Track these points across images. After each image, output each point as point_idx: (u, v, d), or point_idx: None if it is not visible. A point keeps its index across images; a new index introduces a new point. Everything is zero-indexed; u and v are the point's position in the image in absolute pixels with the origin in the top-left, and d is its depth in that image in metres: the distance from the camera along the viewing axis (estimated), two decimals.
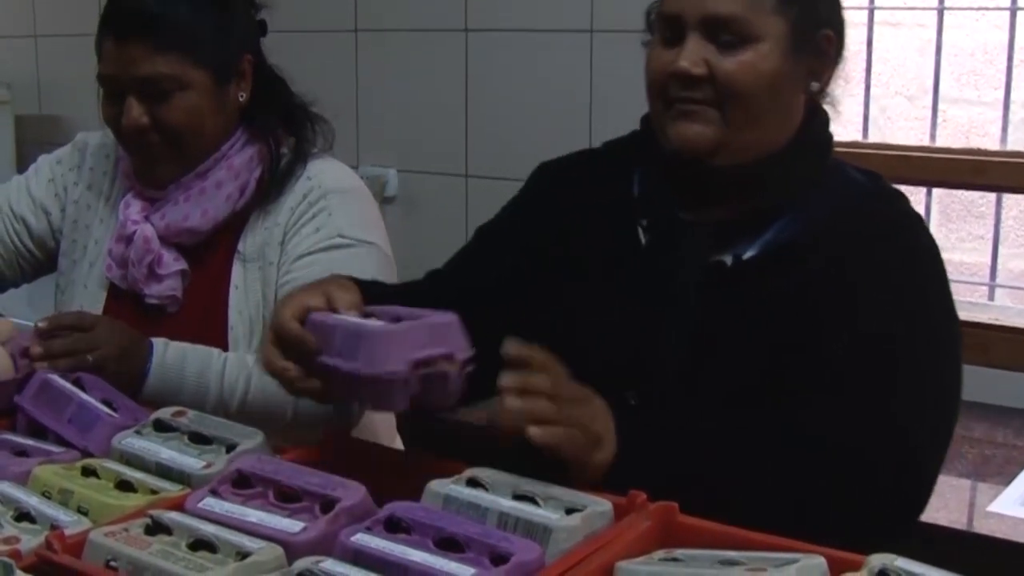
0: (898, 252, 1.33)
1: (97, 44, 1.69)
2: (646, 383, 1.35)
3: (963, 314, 1.41)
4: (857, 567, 0.93)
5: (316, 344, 1.20)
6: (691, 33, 1.32)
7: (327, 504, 1.04)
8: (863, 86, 2.51)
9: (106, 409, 1.32)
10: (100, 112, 1.72)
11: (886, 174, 1.45)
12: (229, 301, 1.70)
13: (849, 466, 1.22)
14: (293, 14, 3.04)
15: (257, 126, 1.73)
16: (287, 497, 1.06)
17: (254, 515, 1.03)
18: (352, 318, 1.21)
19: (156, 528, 1.01)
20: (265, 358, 1.25)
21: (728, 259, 1.36)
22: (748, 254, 1.35)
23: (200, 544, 0.99)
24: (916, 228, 1.37)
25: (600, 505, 1.06)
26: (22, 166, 2.84)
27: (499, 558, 0.95)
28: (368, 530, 0.99)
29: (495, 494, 1.07)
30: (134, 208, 1.73)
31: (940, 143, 2.47)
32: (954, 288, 1.37)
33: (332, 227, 1.68)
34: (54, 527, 1.04)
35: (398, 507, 1.01)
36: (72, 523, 1.05)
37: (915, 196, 2.42)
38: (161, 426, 1.25)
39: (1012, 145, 2.40)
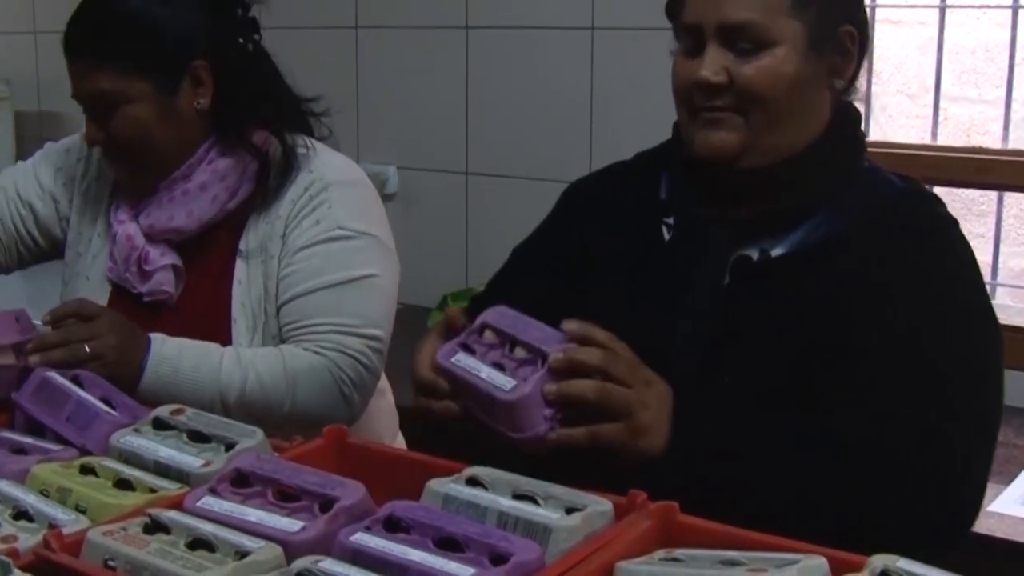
0: (932, 253, 1.33)
1: None
2: (668, 377, 1.35)
3: None
4: (858, 567, 0.92)
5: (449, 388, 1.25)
6: (710, 42, 1.34)
7: (326, 503, 1.04)
8: (864, 84, 2.51)
9: (105, 407, 1.31)
10: None
11: None
12: (232, 296, 1.70)
13: (904, 479, 1.22)
14: (294, 11, 3.05)
15: (231, 131, 1.71)
16: (286, 496, 1.06)
17: (253, 514, 1.03)
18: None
19: (154, 527, 1.01)
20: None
21: (754, 254, 1.36)
22: (777, 251, 1.35)
23: (199, 543, 0.98)
24: (950, 230, 1.37)
25: (600, 505, 1.05)
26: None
27: (499, 558, 0.94)
28: (367, 529, 0.98)
29: (495, 493, 1.07)
30: (122, 209, 1.75)
31: (941, 141, 2.47)
32: None
33: (332, 219, 1.68)
34: (52, 526, 1.04)
35: (397, 506, 1.01)
36: (70, 522, 1.05)
37: None
38: (160, 424, 1.25)
39: (1013, 143, 2.40)
